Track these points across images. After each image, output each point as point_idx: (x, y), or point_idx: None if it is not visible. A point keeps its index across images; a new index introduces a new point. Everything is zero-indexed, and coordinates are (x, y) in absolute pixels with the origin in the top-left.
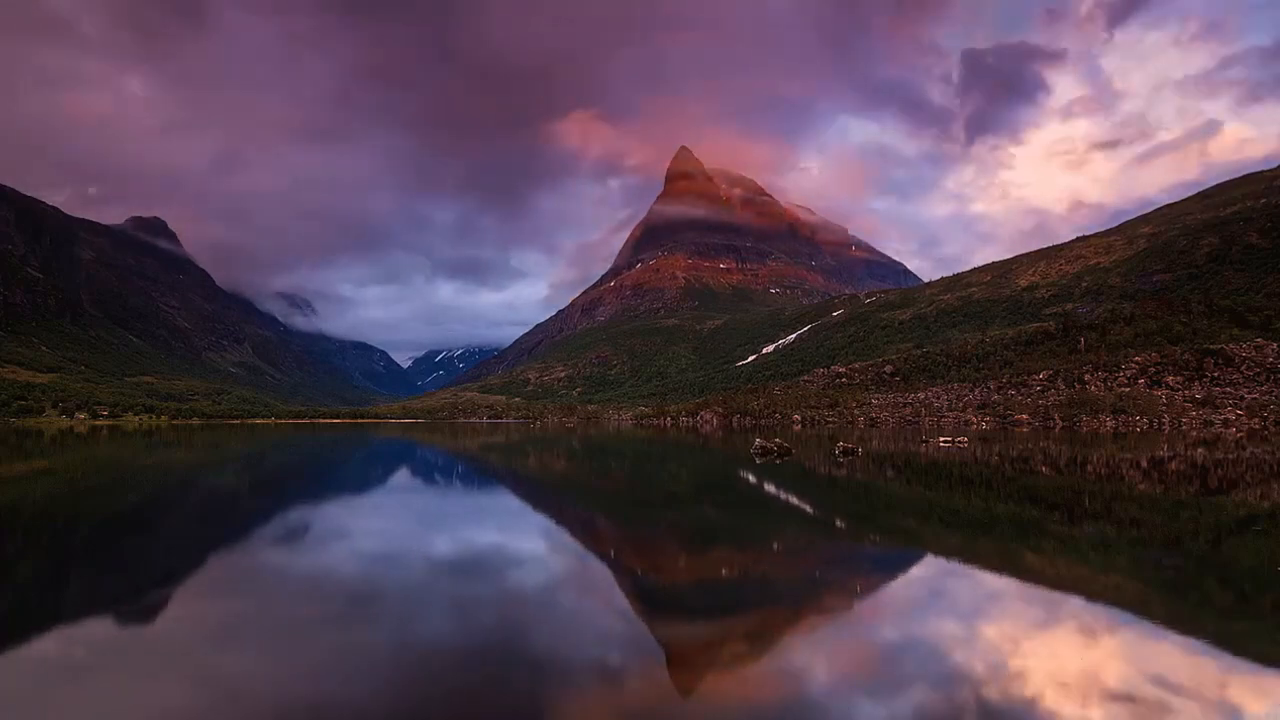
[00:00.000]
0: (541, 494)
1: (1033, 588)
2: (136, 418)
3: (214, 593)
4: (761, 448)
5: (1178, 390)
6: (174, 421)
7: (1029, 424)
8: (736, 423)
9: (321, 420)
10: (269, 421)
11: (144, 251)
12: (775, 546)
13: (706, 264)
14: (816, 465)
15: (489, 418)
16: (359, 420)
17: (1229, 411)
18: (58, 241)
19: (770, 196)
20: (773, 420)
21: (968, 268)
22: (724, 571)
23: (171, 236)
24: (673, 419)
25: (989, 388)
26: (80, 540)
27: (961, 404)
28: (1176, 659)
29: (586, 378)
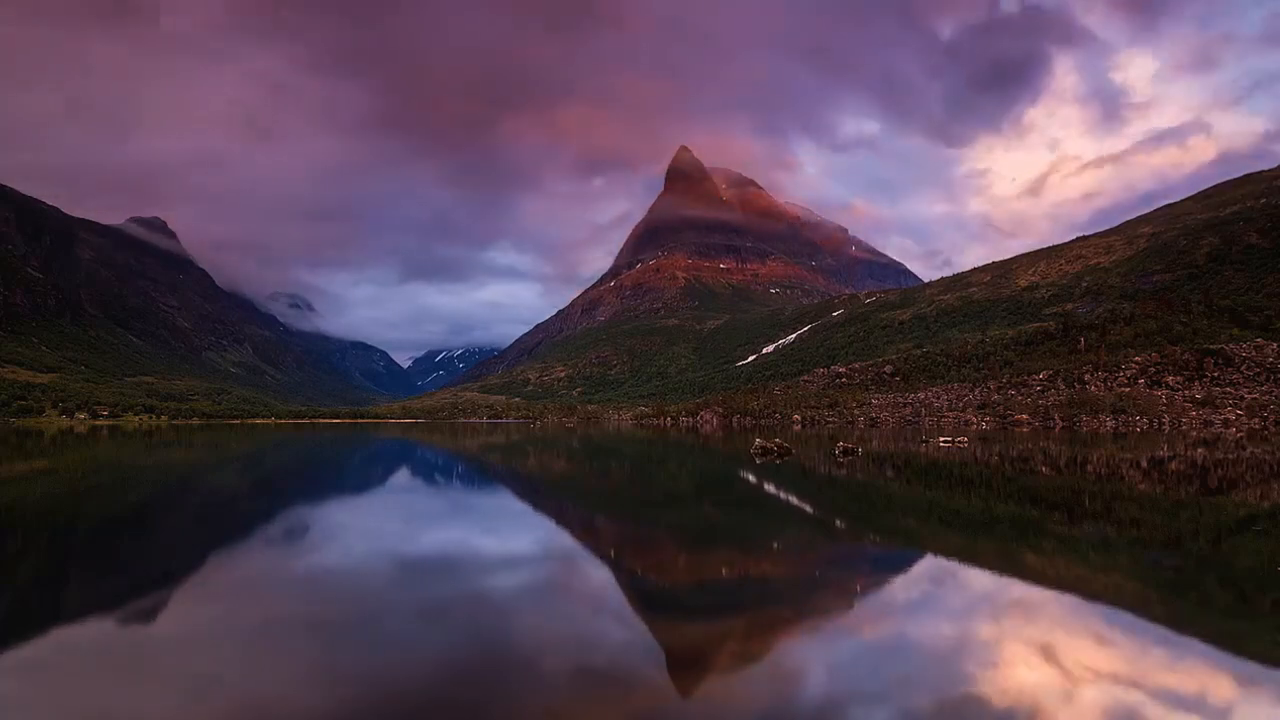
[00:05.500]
0: (541, 494)
1: (1033, 588)
2: (136, 418)
3: (214, 594)
4: (761, 448)
5: (1178, 390)
6: (174, 421)
7: (1029, 424)
8: (736, 423)
9: (321, 420)
10: (269, 421)
11: (144, 251)
12: (775, 546)
13: (706, 264)
14: (816, 465)
15: (489, 418)
16: (359, 420)
17: (1229, 411)
18: (58, 241)
19: (770, 197)
20: (773, 420)
21: (964, 266)
22: (724, 571)
23: (172, 236)
24: (673, 419)
25: (989, 388)
26: (80, 540)
27: (961, 404)
28: (1176, 659)
29: (586, 378)
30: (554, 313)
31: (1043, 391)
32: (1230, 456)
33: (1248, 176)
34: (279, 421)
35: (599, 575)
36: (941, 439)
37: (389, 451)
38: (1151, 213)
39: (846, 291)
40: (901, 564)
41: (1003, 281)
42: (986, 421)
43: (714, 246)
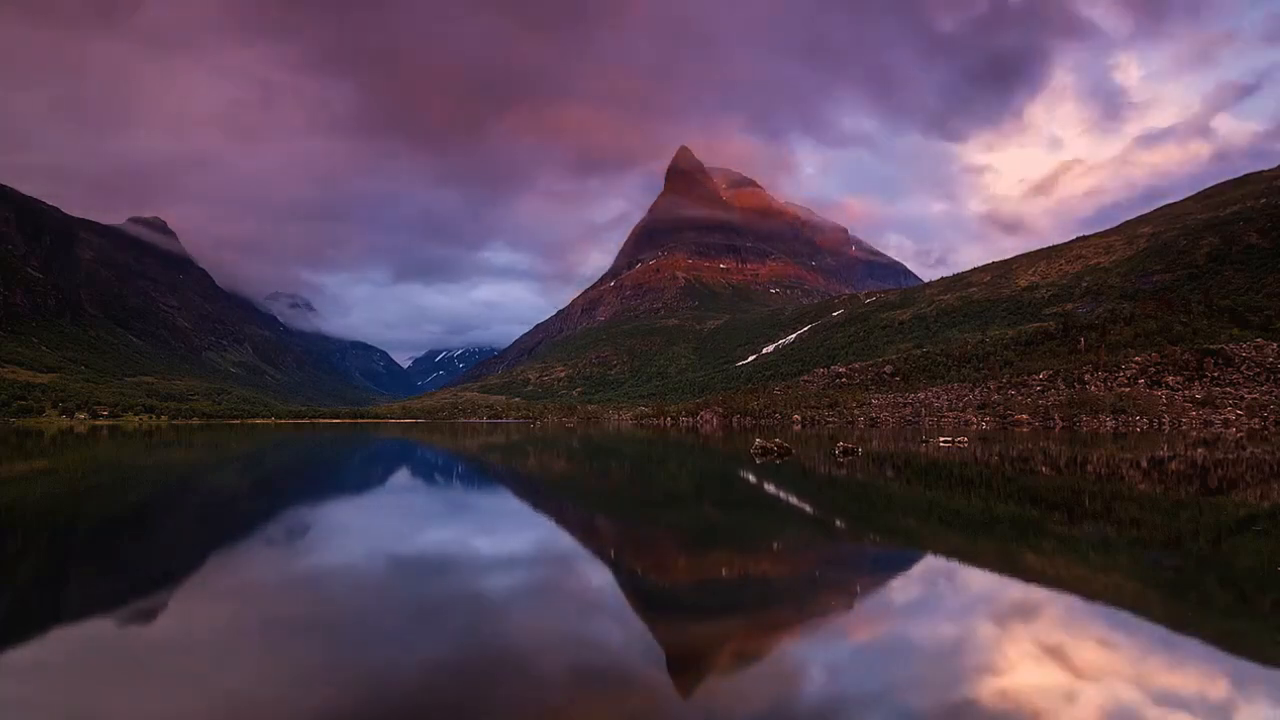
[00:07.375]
0: (541, 494)
1: (1033, 588)
2: (136, 418)
3: (214, 594)
4: (761, 448)
5: (1178, 390)
6: (174, 421)
7: (1029, 424)
8: (736, 423)
9: (321, 420)
10: (269, 421)
11: (144, 251)
12: (775, 546)
13: (706, 264)
14: (816, 465)
15: (489, 418)
16: (359, 420)
17: (1229, 411)
18: (58, 241)
19: (770, 197)
20: (773, 420)
21: (963, 265)
22: (724, 571)
23: (171, 236)
24: (673, 419)
25: (989, 388)
26: (80, 540)
27: (961, 404)
28: (1177, 659)
29: (586, 378)
30: (554, 313)
31: (1043, 391)
32: (1230, 456)
33: (1247, 176)
34: (279, 422)
35: (599, 575)
36: (941, 439)
37: (389, 452)
38: (1151, 213)
39: (846, 291)
40: (902, 564)
41: (1003, 281)
42: (986, 421)
43: (714, 246)
